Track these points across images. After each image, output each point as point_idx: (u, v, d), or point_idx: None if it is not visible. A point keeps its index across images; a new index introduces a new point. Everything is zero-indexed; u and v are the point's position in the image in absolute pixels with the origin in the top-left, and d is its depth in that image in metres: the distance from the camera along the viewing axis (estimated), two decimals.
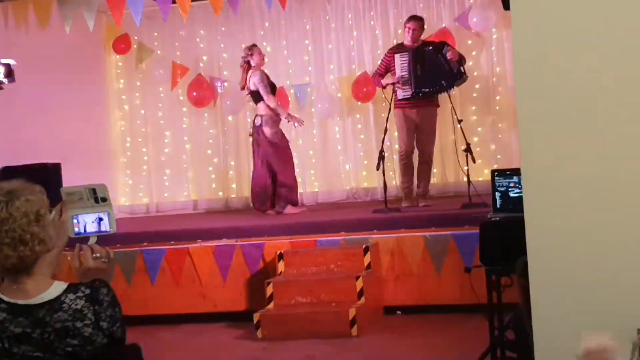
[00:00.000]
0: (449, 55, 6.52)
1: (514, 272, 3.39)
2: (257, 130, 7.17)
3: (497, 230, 3.78)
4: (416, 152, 6.90)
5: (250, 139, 7.38)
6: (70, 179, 7.01)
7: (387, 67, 6.83)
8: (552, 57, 2.56)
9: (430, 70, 6.55)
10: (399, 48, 6.85)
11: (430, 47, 6.69)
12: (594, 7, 2.49)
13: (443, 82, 6.58)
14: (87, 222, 2.00)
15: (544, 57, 2.57)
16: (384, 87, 6.87)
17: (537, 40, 2.57)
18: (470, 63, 8.06)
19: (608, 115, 2.47)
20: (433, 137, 6.90)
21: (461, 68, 6.64)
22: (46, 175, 6.60)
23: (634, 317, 2.17)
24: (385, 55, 6.98)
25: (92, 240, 2.00)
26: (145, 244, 6.33)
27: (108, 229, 2.02)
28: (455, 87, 6.92)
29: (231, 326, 5.92)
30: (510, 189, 4.04)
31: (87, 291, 1.86)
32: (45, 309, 1.82)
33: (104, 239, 2.07)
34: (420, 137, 6.83)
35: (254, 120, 7.25)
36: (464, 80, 6.77)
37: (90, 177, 8.12)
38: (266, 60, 7.43)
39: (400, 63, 6.65)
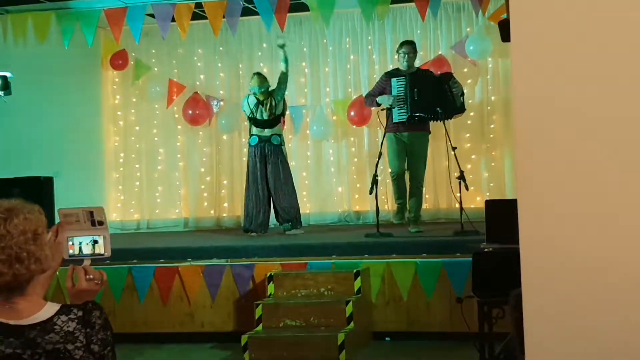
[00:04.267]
0: (454, 89, 6.56)
1: (507, 304, 3.39)
2: (276, 149, 7.11)
3: (490, 261, 3.79)
4: (407, 175, 6.92)
5: (247, 157, 7.30)
6: (62, 193, 6.99)
7: (381, 91, 6.85)
8: (552, 90, 2.57)
9: (428, 96, 6.57)
10: (395, 73, 6.88)
11: (436, 75, 6.70)
12: (597, 40, 2.51)
13: (438, 109, 6.58)
14: (82, 244, 1.98)
15: (544, 90, 2.58)
16: (379, 106, 6.88)
17: (537, 70, 2.58)
18: (465, 91, 8.12)
19: (610, 147, 2.47)
20: (424, 162, 6.91)
21: (462, 100, 6.67)
22: (38, 189, 6.57)
23: (629, 355, 2.16)
24: (381, 79, 7.00)
25: (87, 262, 1.99)
26: (134, 261, 6.30)
27: (102, 252, 2.00)
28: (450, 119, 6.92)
29: (218, 347, 5.87)
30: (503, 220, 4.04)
31: (80, 313, 1.84)
32: (37, 330, 1.79)
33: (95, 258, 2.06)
34: (411, 162, 6.84)
35: (270, 140, 7.08)
36: (462, 114, 6.81)
37: (82, 192, 8.14)
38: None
39: (397, 86, 6.67)
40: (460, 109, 6.67)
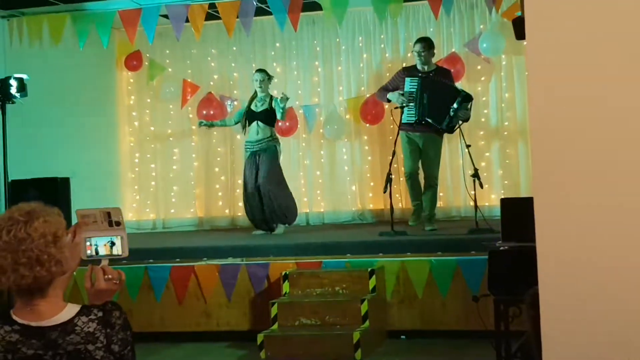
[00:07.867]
0: (460, 113, 6.53)
1: (523, 302, 3.38)
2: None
3: (506, 260, 3.77)
4: (422, 174, 6.91)
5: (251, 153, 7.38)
6: (78, 194, 7.04)
7: (396, 87, 6.84)
8: (567, 88, 2.56)
9: (437, 103, 6.58)
10: (412, 71, 6.88)
11: (451, 84, 6.68)
12: (613, 37, 2.50)
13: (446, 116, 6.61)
14: (99, 244, 2.00)
15: (559, 87, 2.57)
16: (389, 102, 6.89)
17: (552, 68, 2.57)
18: (479, 88, 8.11)
19: (628, 144, 2.46)
20: (437, 162, 6.90)
21: (454, 124, 6.62)
22: (55, 190, 6.62)
23: None
24: (397, 74, 7.00)
25: (104, 262, 2.01)
26: (150, 260, 6.34)
27: (120, 253, 2.02)
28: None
29: (234, 346, 5.90)
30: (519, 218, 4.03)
31: (100, 314, 1.87)
32: (58, 331, 1.82)
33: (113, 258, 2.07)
34: (424, 161, 6.84)
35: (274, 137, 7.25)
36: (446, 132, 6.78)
37: (98, 192, 8.18)
38: (275, 80, 7.51)
39: (410, 87, 6.67)
40: (448, 130, 6.64)
